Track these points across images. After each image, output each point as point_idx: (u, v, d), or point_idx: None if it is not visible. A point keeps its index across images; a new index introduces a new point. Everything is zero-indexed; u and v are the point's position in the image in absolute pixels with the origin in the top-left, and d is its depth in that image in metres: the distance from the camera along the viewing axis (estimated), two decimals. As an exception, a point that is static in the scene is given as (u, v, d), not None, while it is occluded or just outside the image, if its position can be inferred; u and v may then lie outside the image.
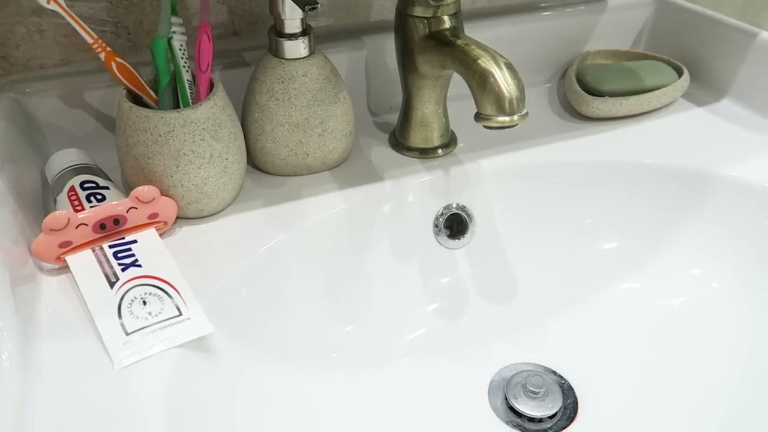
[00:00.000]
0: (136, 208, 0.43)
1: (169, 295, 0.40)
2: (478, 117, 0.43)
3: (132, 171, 0.45)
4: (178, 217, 0.46)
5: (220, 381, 0.39)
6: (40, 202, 0.47)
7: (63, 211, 0.40)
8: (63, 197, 0.45)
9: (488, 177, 0.54)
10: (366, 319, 0.50)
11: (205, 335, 0.38)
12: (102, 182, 0.46)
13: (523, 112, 0.42)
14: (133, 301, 0.39)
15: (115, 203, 0.43)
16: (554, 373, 0.49)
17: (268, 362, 0.44)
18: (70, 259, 0.41)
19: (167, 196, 0.45)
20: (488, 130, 0.55)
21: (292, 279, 0.47)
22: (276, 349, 0.45)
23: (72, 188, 0.45)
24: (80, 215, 0.41)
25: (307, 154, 0.51)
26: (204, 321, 0.39)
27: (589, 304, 0.53)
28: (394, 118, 0.59)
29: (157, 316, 0.39)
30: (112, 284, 0.40)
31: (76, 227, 0.41)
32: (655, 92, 0.59)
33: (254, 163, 0.52)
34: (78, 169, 0.47)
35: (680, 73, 0.61)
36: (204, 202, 0.46)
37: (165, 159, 0.44)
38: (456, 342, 0.51)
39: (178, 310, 0.39)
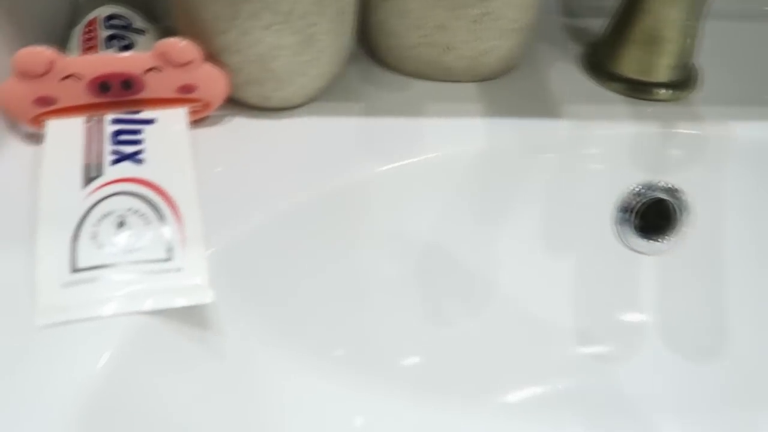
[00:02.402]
0: (160, 69, 0.27)
1: (163, 221, 0.24)
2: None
3: (180, 15, 0.29)
4: (229, 100, 0.30)
5: (197, 375, 0.24)
6: (58, 27, 0.33)
7: (44, 48, 0.26)
8: (77, 31, 0.30)
9: (736, 149, 0.32)
10: (471, 350, 0.32)
11: (197, 304, 0.23)
12: (139, 23, 0.31)
13: None
14: (105, 216, 0.24)
15: (128, 54, 0.27)
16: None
17: (292, 357, 0.28)
18: (52, 125, 0.27)
19: (214, 62, 0.28)
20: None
21: (371, 238, 0.30)
22: (305, 340, 0.29)
23: (92, 21, 0.30)
24: (69, 59, 0.26)
25: (449, 48, 0.32)
26: (202, 279, 0.23)
27: None
28: (597, 25, 0.37)
29: (131, 252, 0.23)
30: (89, 180, 0.25)
31: (63, 78, 0.26)
32: None
33: (368, 44, 0.34)
34: (116, -3, 0.32)
35: None
36: (270, 85, 0.29)
37: (217, 3, 0.27)
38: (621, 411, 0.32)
39: (168, 250, 0.24)
